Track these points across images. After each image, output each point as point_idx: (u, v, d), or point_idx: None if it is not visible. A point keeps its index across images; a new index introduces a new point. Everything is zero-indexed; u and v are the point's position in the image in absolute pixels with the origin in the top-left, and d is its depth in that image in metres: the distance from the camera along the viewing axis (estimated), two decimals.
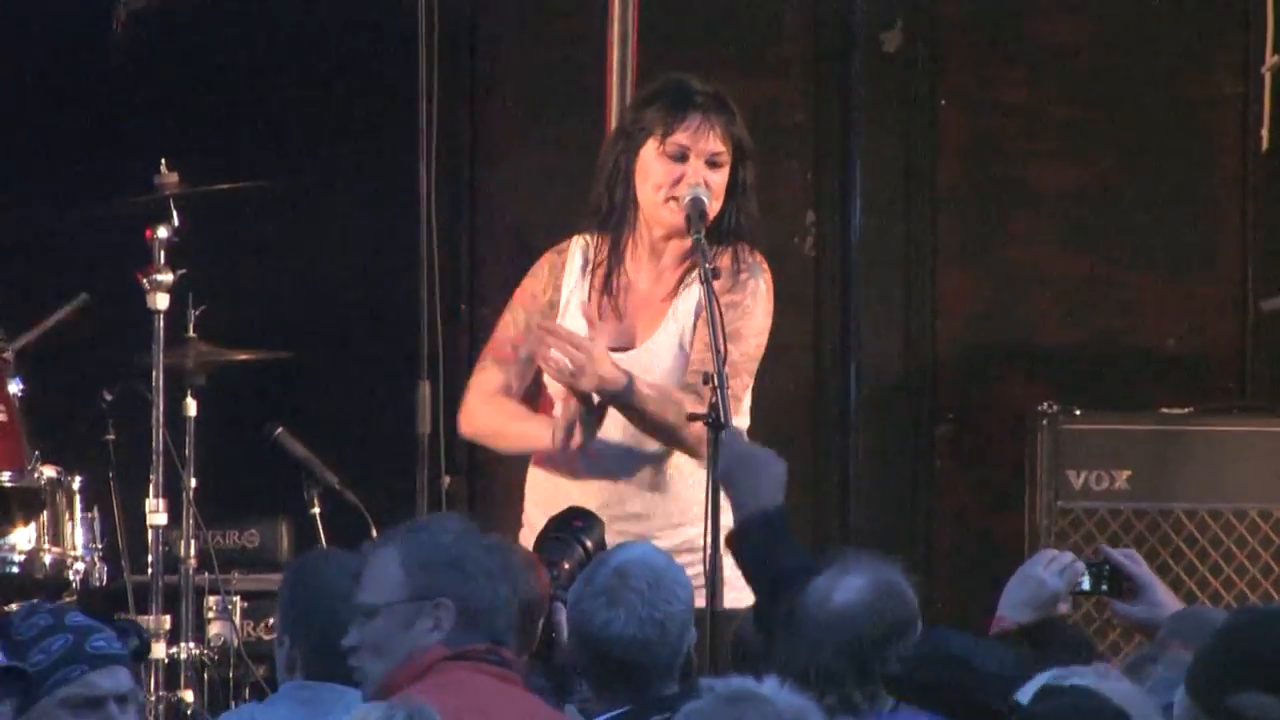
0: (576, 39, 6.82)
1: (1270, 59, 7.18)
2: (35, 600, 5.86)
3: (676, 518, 5.15)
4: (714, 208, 5.15)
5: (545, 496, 5.35)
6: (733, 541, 4.75)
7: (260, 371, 6.69)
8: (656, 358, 5.20)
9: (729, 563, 4.79)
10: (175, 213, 6.11)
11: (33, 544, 6.12)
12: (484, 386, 5.53)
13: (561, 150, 6.80)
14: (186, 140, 6.76)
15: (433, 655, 4.13)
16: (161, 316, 6.11)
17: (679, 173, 5.14)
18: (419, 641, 4.08)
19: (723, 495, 4.86)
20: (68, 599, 6.08)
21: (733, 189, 5.20)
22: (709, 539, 4.78)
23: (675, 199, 5.14)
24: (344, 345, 7.09)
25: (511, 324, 5.47)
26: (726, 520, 4.76)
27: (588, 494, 5.26)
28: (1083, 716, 3.54)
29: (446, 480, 6.17)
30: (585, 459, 5.37)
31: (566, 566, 4.85)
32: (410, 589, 4.08)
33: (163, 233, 6.09)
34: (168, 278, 6.04)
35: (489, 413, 5.51)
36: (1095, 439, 6.82)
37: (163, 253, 6.08)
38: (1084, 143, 7.40)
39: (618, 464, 5.32)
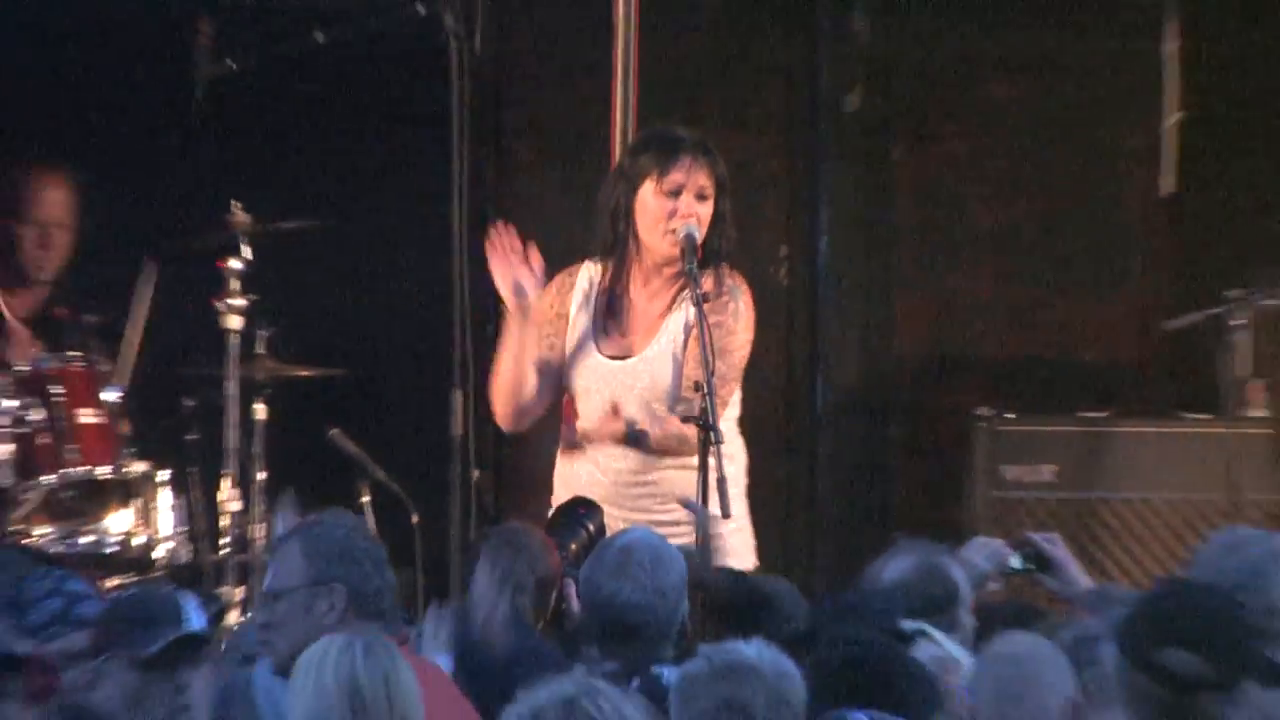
0: (585, 100, 7.05)
1: (1172, 116, 7.43)
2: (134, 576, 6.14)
3: (676, 494, 5.36)
4: (701, 234, 5.33)
5: (570, 483, 5.53)
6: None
7: (319, 382, 6.68)
8: (653, 365, 5.39)
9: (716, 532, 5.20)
10: (246, 247, 6.33)
11: (127, 528, 6.32)
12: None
13: (572, 191, 6.86)
14: (255, 183, 6.88)
15: None
16: (234, 335, 6.37)
17: (673, 207, 5.32)
18: (319, 622, 4.22)
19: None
20: (155, 574, 6.33)
21: (715, 218, 5.37)
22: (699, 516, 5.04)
23: (672, 232, 5.32)
24: (389, 359, 7.13)
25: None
26: (712, 500, 5.08)
27: (604, 478, 5.49)
28: (862, 666, 3.84)
29: (476, 474, 6.34)
30: (601, 455, 5.55)
31: (574, 547, 5.11)
32: (309, 576, 4.22)
33: (234, 264, 6.34)
34: (240, 303, 6.30)
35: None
36: (1025, 439, 7.09)
37: (235, 281, 6.35)
38: (1017, 187, 7.72)
39: (624, 459, 5.47)
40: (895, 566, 4.80)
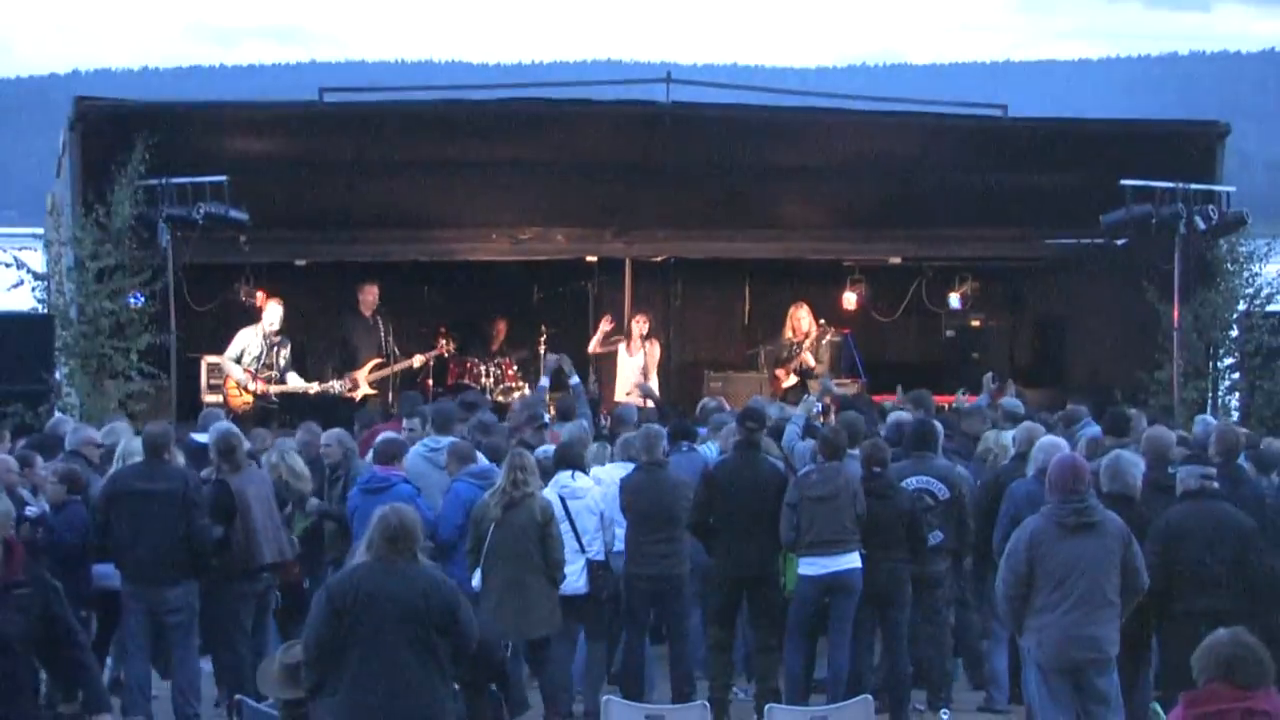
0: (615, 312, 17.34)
1: (744, 316, 18.57)
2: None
3: (636, 384, 15.77)
4: (648, 331, 16.82)
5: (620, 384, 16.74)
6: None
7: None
8: (638, 362, 16.78)
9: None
10: (547, 336, 17.90)
11: (517, 395, 16.50)
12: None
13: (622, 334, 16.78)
14: (552, 325, 18.02)
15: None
16: (546, 356, 16.64)
17: (640, 326, 16.95)
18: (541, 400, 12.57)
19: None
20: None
21: (649, 330, 16.94)
22: (642, 393, 15.44)
23: (642, 332, 16.82)
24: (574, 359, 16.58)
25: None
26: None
27: (624, 381, 16.93)
28: None
29: (595, 385, 16.39)
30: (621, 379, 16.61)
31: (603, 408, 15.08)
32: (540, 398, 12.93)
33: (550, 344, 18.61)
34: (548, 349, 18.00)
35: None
36: (714, 378, 17.52)
37: (546, 344, 17.85)
38: (717, 331, 18.91)
39: (629, 380, 16.46)
40: (703, 403, 12.78)
